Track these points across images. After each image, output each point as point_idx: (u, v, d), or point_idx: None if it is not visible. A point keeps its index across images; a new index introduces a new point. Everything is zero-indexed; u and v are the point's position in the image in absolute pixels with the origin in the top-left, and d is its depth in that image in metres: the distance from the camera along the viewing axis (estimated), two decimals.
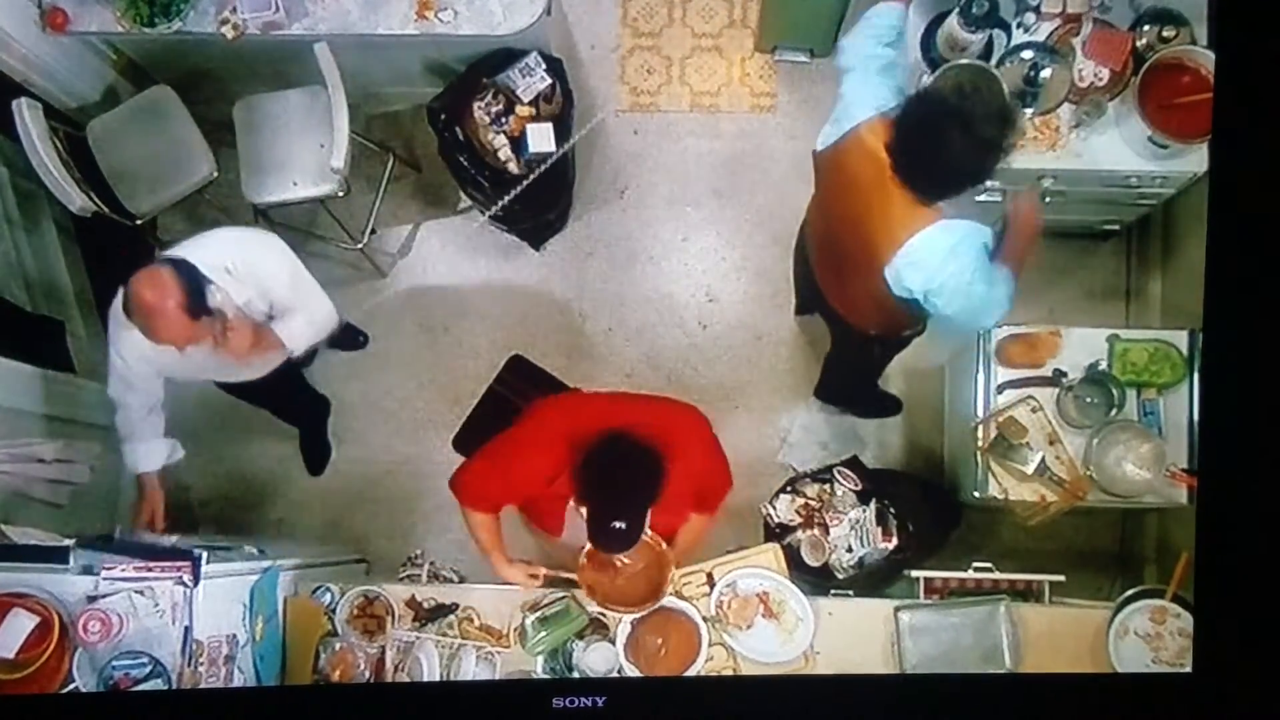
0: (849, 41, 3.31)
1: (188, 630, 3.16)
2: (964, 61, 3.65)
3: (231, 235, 3.50)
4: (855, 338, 3.78)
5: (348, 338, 4.73)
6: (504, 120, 4.10)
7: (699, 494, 3.33)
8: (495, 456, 3.26)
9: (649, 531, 3.21)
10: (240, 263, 3.35)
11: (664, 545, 3.37)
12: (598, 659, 3.49)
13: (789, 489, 3.92)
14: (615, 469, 2.94)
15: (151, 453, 3.70)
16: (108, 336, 3.48)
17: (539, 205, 4.51)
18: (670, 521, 3.35)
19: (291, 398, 4.44)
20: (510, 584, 3.49)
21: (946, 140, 2.91)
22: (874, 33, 3.25)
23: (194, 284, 3.16)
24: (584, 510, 2.99)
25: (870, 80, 3.18)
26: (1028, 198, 3.40)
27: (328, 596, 3.60)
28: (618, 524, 2.93)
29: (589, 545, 3.18)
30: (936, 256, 3.05)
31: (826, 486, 3.89)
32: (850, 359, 4.22)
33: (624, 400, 3.31)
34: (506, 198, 4.23)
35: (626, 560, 3.37)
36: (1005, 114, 2.99)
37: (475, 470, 3.29)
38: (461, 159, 4.12)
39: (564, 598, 3.55)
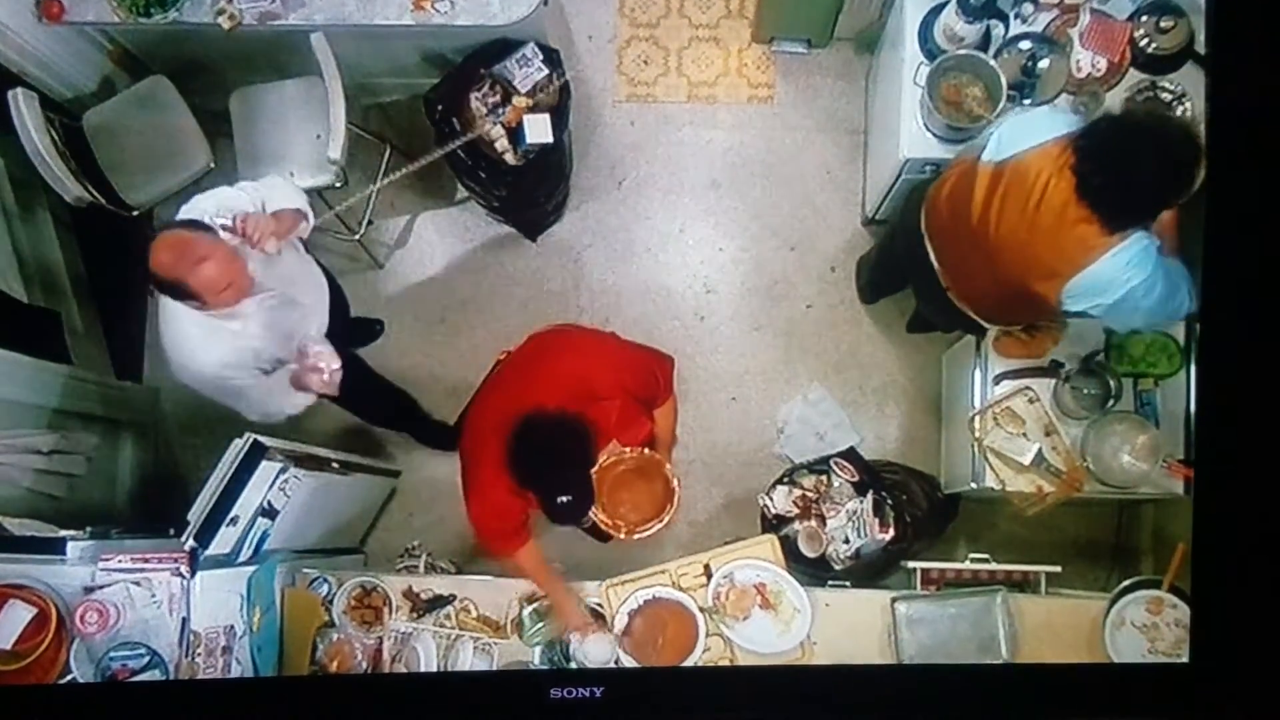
0: None
1: (185, 621, 3.17)
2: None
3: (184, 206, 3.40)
4: (957, 314, 3.78)
5: (363, 332, 4.71)
6: (501, 111, 4.09)
7: (644, 401, 3.40)
8: (475, 502, 3.31)
9: (627, 449, 3.38)
10: (200, 208, 3.29)
11: (647, 452, 3.46)
12: (595, 650, 3.50)
13: (786, 480, 3.92)
14: (537, 454, 3.02)
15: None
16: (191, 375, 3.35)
17: (535, 196, 4.51)
18: (637, 436, 3.42)
19: (376, 396, 4.39)
20: (570, 621, 3.55)
21: (1143, 162, 2.88)
22: None
23: (188, 220, 3.15)
24: (530, 495, 3.10)
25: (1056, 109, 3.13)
26: None
27: (325, 587, 3.61)
28: (563, 498, 3.03)
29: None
30: (1114, 281, 3.05)
31: (823, 478, 3.89)
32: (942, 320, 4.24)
33: (525, 374, 3.31)
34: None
35: (627, 489, 3.51)
36: (1198, 139, 2.92)
37: (477, 522, 3.34)
38: (458, 150, 4.12)
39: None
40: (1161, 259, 3.05)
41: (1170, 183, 2.92)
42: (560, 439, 3.03)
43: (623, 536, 3.53)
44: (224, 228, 3.20)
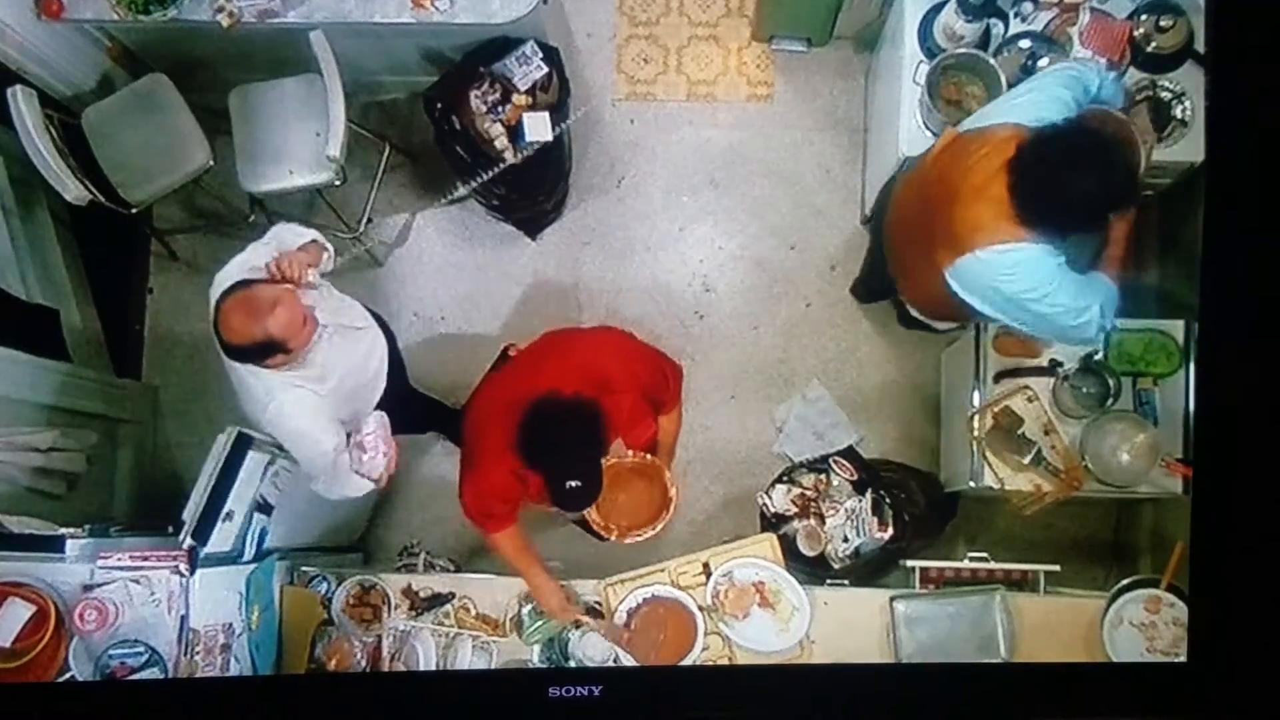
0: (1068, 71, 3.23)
1: (184, 619, 3.17)
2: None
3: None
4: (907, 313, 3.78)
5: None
6: (500, 109, 4.09)
7: (651, 402, 3.40)
8: (471, 481, 3.33)
9: (631, 452, 3.41)
10: (229, 275, 3.27)
11: (649, 457, 3.48)
12: (594, 648, 3.50)
13: (785, 479, 3.92)
14: (551, 435, 3.03)
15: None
16: (276, 434, 3.33)
17: (535, 194, 4.51)
18: (642, 437, 3.43)
19: (421, 417, 4.43)
20: (549, 605, 3.52)
21: (1077, 177, 2.87)
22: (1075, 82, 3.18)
23: (236, 284, 3.12)
24: (539, 479, 3.09)
25: (1051, 100, 3.10)
26: None
27: (324, 586, 3.61)
28: (573, 484, 3.02)
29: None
30: (990, 277, 3.06)
31: (822, 476, 3.89)
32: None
33: (540, 361, 3.34)
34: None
35: (624, 491, 3.52)
36: (1136, 173, 2.98)
37: (468, 500, 3.36)
38: (458, 148, 4.11)
39: (561, 587, 3.56)
40: (1067, 273, 3.04)
41: (1087, 208, 2.94)
42: (574, 422, 3.04)
43: (614, 539, 3.53)
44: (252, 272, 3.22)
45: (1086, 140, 2.93)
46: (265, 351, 3.07)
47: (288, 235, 3.44)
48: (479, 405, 3.36)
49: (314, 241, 3.44)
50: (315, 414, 3.28)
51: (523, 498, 3.31)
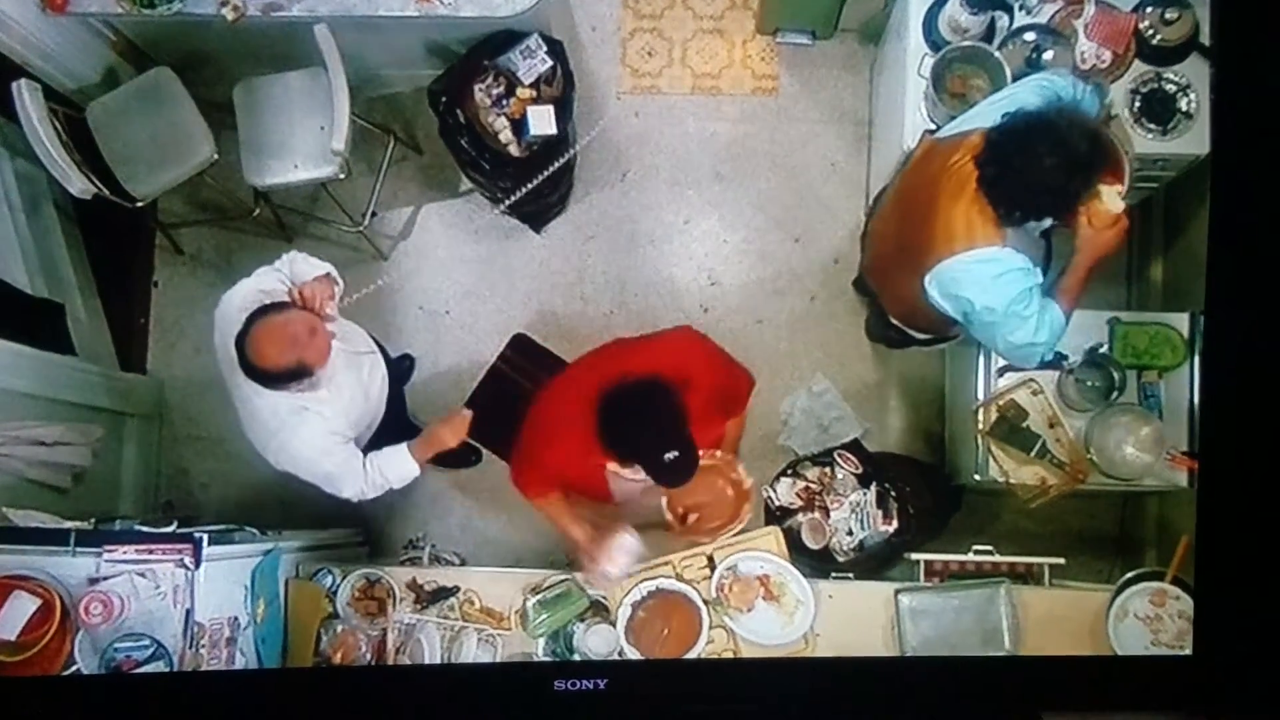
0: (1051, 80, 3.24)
1: (189, 612, 3.18)
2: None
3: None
4: (884, 315, 3.81)
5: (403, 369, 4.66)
6: (505, 102, 4.09)
7: (723, 405, 3.36)
8: (530, 452, 3.30)
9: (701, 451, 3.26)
10: (242, 293, 3.29)
11: (718, 454, 3.44)
12: (599, 641, 3.51)
13: (790, 472, 3.92)
14: (636, 412, 2.96)
15: (403, 463, 3.53)
16: (300, 462, 3.33)
17: (539, 187, 4.50)
18: (710, 436, 3.36)
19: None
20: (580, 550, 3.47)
21: (1036, 151, 2.88)
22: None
23: (266, 307, 3.12)
24: (634, 464, 2.99)
25: (1015, 105, 3.09)
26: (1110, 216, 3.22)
27: (329, 579, 3.61)
28: (670, 455, 2.90)
29: (662, 488, 3.24)
30: (975, 284, 3.07)
31: (827, 469, 3.89)
32: (879, 328, 4.27)
33: (619, 354, 3.30)
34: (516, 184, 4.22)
35: (702, 488, 3.45)
36: (1097, 139, 2.98)
37: (521, 469, 3.35)
38: (462, 141, 4.12)
39: (565, 580, 3.56)
40: (1037, 299, 3.08)
41: (1052, 184, 2.93)
42: (656, 396, 2.97)
43: (690, 534, 3.51)
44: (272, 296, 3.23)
45: (1044, 121, 2.94)
46: (294, 377, 3.08)
47: (301, 265, 3.45)
48: (551, 404, 3.28)
49: (327, 275, 3.44)
50: (323, 434, 3.29)
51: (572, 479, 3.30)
